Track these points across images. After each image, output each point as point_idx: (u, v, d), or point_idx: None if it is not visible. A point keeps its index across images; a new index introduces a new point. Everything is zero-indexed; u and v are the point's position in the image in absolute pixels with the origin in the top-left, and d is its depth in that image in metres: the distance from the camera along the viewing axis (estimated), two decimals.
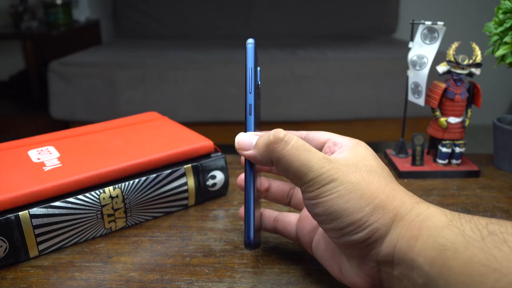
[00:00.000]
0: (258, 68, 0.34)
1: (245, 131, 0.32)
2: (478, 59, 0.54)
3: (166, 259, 0.40)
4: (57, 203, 0.40)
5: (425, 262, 0.25)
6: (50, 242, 0.40)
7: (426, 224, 0.26)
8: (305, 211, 0.37)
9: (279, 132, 0.30)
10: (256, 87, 0.33)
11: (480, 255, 0.23)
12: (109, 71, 1.75)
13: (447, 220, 0.26)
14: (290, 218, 0.38)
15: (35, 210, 0.38)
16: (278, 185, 0.40)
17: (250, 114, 0.32)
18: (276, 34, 2.43)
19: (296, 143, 0.29)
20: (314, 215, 0.29)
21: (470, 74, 0.54)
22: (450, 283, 0.24)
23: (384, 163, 0.61)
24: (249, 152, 0.31)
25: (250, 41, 0.33)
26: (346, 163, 0.29)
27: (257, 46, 0.33)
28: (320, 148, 0.35)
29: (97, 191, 0.42)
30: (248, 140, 0.31)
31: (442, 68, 0.55)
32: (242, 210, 0.40)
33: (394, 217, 0.28)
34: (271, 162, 0.30)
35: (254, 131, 0.32)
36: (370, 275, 0.29)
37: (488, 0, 2.45)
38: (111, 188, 0.42)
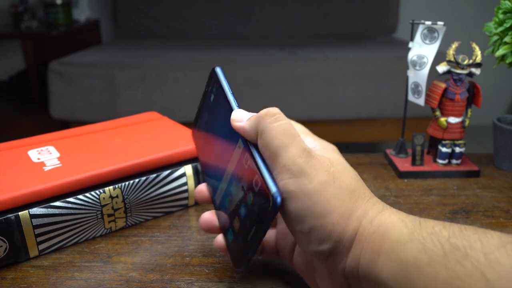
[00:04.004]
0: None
1: None
2: (478, 59, 0.54)
3: (166, 259, 0.40)
4: (57, 203, 0.40)
5: (388, 278, 0.25)
6: (50, 242, 0.40)
7: (388, 238, 0.26)
8: (281, 224, 0.36)
9: (273, 108, 0.30)
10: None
11: (443, 272, 0.23)
12: (109, 71, 1.75)
13: (408, 232, 0.26)
14: (267, 235, 0.36)
15: (35, 210, 0.38)
16: None
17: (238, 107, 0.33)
18: (276, 34, 2.43)
19: (285, 124, 0.29)
20: (283, 214, 0.29)
21: (470, 74, 0.54)
22: None
23: (384, 163, 0.61)
24: (240, 124, 0.31)
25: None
26: (322, 159, 0.29)
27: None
28: None
29: (97, 191, 0.42)
30: (245, 114, 0.31)
31: (442, 68, 0.55)
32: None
33: (357, 229, 0.27)
34: (256, 133, 0.29)
35: None
36: (342, 286, 0.29)
37: (488, 0, 2.45)
38: (111, 188, 0.42)
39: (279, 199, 0.25)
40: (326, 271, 0.29)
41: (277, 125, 0.29)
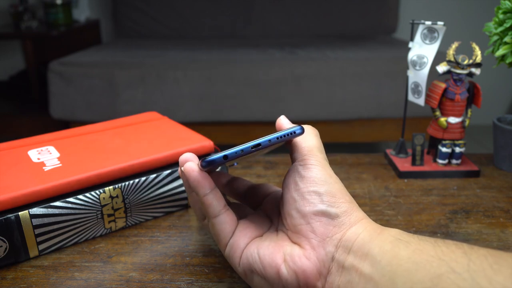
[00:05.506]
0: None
1: None
2: (478, 59, 0.54)
3: (166, 259, 0.40)
4: (57, 203, 0.40)
5: (379, 252, 0.28)
6: (50, 242, 0.40)
7: (389, 229, 0.30)
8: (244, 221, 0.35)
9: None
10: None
11: (429, 248, 0.26)
12: (109, 71, 1.75)
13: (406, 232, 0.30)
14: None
15: (35, 210, 0.38)
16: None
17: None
18: (276, 34, 2.43)
19: (319, 139, 0.36)
20: (300, 177, 0.33)
21: (470, 74, 0.54)
22: (396, 270, 0.26)
23: (384, 163, 0.61)
24: (285, 121, 0.36)
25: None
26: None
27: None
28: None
29: (97, 191, 0.42)
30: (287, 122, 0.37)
31: (442, 68, 0.55)
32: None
33: (362, 218, 0.31)
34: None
35: None
36: (322, 261, 0.30)
37: (488, 0, 2.45)
38: (111, 188, 0.42)
39: (302, 128, 0.33)
40: (317, 237, 0.30)
41: (317, 135, 0.36)
